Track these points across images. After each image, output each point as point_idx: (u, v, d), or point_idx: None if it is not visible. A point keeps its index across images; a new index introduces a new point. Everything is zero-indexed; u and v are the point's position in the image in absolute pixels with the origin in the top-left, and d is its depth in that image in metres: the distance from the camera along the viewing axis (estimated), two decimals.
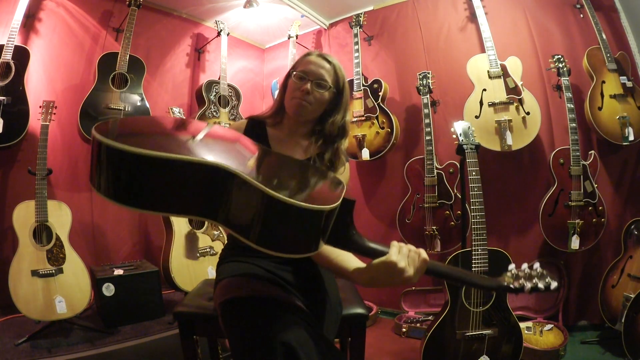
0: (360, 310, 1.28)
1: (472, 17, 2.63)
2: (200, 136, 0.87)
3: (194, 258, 2.44)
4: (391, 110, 2.71)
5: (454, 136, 1.94)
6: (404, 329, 2.42)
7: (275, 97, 1.31)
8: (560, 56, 2.27)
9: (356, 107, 2.73)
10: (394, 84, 2.92)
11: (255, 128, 1.29)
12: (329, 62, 1.23)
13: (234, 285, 1.09)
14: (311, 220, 0.77)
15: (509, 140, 2.27)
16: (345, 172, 1.27)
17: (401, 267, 0.86)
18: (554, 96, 2.44)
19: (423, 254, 0.91)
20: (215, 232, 2.46)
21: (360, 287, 1.64)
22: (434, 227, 2.47)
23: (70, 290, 2.03)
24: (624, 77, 2.20)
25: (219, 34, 3.04)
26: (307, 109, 1.20)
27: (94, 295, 2.17)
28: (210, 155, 0.77)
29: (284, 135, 1.28)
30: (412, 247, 0.91)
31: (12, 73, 2.19)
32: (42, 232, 2.05)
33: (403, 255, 0.88)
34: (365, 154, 2.70)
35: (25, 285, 1.93)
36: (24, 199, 2.08)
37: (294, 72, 1.22)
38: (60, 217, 2.14)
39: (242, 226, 0.75)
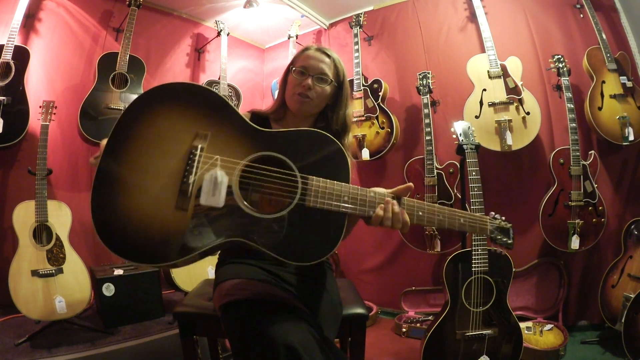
0: (360, 310, 1.28)
1: (472, 17, 2.63)
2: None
3: None
4: (391, 110, 2.71)
5: (454, 136, 1.94)
6: (404, 329, 2.42)
7: (278, 91, 1.31)
8: (560, 56, 2.27)
9: (356, 107, 2.73)
10: (394, 84, 2.92)
11: (258, 123, 1.27)
12: (328, 55, 1.22)
13: (234, 287, 1.09)
14: None
15: (509, 140, 2.27)
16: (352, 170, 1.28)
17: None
18: (554, 96, 2.44)
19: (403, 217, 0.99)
20: None
21: (359, 287, 1.63)
22: (434, 227, 2.47)
23: (70, 290, 2.03)
24: (624, 77, 2.20)
25: (219, 34, 3.04)
26: (309, 104, 1.20)
27: (94, 295, 2.17)
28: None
29: None
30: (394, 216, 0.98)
31: (12, 73, 2.19)
32: (42, 232, 2.05)
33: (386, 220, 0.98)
34: (365, 154, 2.70)
35: (25, 285, 1.93)
36: (24, 199, 2.08)
37: (294, 68, 1.21)
38: (60, 217, 2.14)
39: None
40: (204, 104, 0.98)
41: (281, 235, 0.93)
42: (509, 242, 1.10)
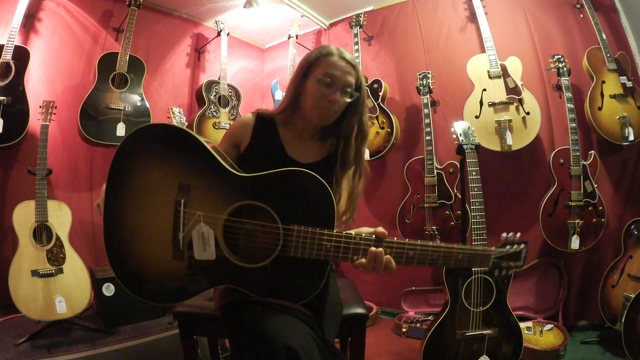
0: (360, 310, 1.28)
1: (472, 17, 2.63)
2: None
3: None
4: (391, 110, 2.71)
5: (454, 136, 1.93)
6: (404, 329, 2.42)
7: (286, 92, 1.23)
8: (560, 56, 2.27)
9: None
10: (394, 84, 2.92)
11: (265, 126, 1.22)
12: (352, 65, 1.15)
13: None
14: None
15: (509, 140, 2.27)
16: (358, 186, 1.26)
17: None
18: (554, 96, 2.44)
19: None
20: None
21: (359, 287, 1.63)
22: (434, 227, 2.47)
23: (70, 290, 2.03)
24: (624, 77, 2.20)
25: (219, 34, 3.04)
26: (332, 117, 1.17)
27: (94, 295, 2.17)
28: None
29: (296, 135, 1.22)
30: (384, 264, 0.96)
31: (12, 73, 2.19)
32: (42, 232, 2.05)
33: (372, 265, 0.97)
34: (365, 154, 2.69)
35: (25, 285, 1.93)
36: (24, 199, 2.08)
37: (319, 77, 1.13)
38: (60, 217, 2.13)
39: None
40: (183, 150, 1.00)
41: (265, 282, 0.98)
42: (518, 264, 1.05)
